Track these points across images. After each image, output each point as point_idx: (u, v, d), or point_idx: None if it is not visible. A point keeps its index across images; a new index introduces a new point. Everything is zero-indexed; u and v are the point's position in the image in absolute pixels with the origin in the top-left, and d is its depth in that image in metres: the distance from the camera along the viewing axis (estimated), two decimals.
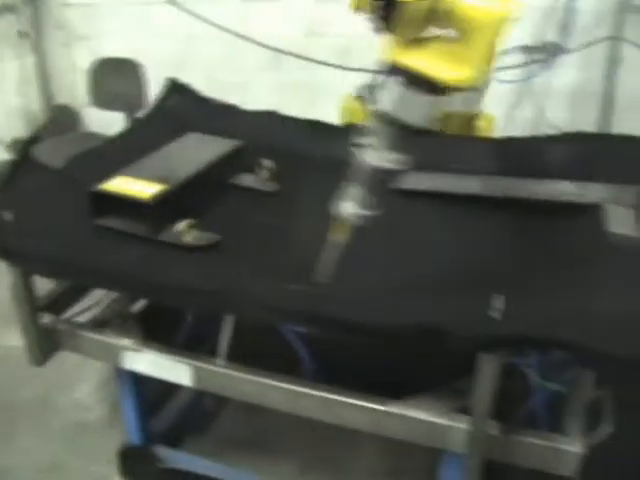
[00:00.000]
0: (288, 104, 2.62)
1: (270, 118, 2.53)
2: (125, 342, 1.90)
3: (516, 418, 1.67)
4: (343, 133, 2.44)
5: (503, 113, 4.00)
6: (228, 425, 2.44)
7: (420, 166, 2.14)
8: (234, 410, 2.46)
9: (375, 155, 1.55)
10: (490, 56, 1.46)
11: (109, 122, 3.80)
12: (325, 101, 3.49)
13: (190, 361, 1.84)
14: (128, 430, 2.19)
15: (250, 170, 2.18)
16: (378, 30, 1.47)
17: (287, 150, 2.30)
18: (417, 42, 1.48)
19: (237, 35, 4.06)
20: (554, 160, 2.17)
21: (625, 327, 1.41)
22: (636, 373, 1.40)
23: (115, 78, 4.13)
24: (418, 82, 1.48)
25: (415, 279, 1.66)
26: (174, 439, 2.34)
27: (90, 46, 4.45)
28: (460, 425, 1.62)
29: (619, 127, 3.78)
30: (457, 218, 1.96)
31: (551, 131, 3.63)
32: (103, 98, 4.20)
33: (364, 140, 1.57)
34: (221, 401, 2.45)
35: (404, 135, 1.54)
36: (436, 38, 1.47)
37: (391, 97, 1.50)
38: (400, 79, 1.48)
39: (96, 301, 2.03)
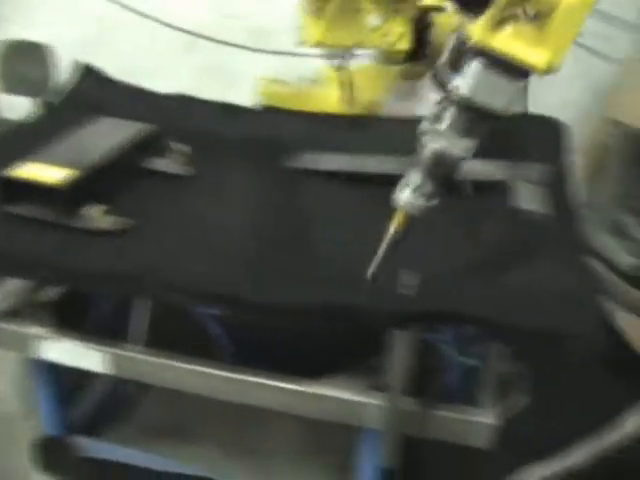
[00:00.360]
0: (204, 89, 2.60)
1: (184, 102, 2.52)
2: (38, 331, 1.86)
3: (431, 393, 1.70)
4: (258, 115, 2.48)
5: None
6: (149, 412, 2.42)
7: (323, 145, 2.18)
8: (155, 396, 2.44)
9: (444, 142, 1.47)
10: (571, 41, 1.39)
11: (20, 107, 3.69)
12: (241, 85, 3.47)
13: (106, 348, 1.82)
14: (45, 421, 2.15)
15: (164, 154, 2.16)
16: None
17: (202, 133, 2.29)
18: (502, 23, 1.40)
19: (151, 19, 3.99)
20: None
21: (533, 300, 1.46)
22: (546, 345, 1.44)
23: (23, 62, 4.01)
24: (503, 65, 1.40)
25: (324, 257, 1.68)
26: (94, 428, 2.30)
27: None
28: (375, 402, 1.64)
29: (533, 104, 3.86)
30: (365, 196, 1.98)
31: None
32: (11, 82, 4.07)
33: (431, 126, 1.49)
34: (142, 388, 2.43)
35: (479, 121, 1.47)
36: (520, 19, 1.40)
37: (472, 81, 1.42)
38: (484, 61, 1.40)
39: (8, 290, 1.98)
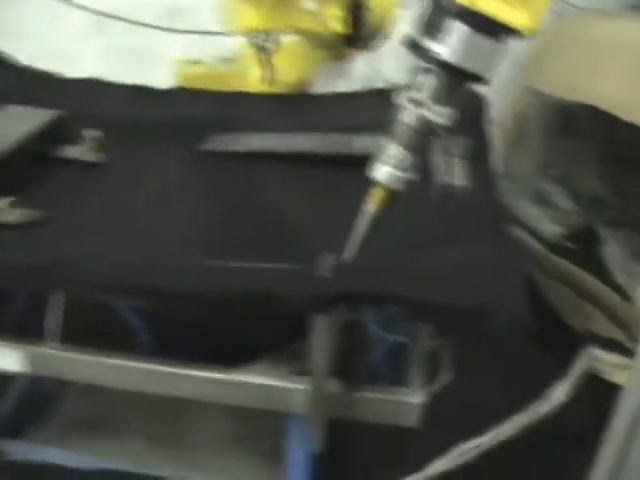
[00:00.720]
0: (116, 71, 2.52)
1: (95, 86, 2.43)
2: None
3: (358, 374, 1.68)
4: (172, 97, 2.41)
5: None
6: (71, 409, 2.33)
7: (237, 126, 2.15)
8: (77, 392, 2.36)
9: (427, 111, 1.40)
10: (549, 3, 1.37)
11: None
12: (158, 67, 3.38)
13: (19, 345, 1.74)
14: None
15: (76, 142, 2.08)
16: None
17: (114, 118, 2.21)
18: None
19: None
20: (383, 114, 2.17)
21: (455, 277, 1.43)
22: (470, 322, 1.42)
23: None
24: (489, 27, 1.33)
25: (238, 241, 1.63)
26: (13, 430, 2.22)
27: None
28: (300, 387, 1.61)
29: None
30: (278, 178, 1.94)
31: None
32: None
33: (408, 96, 1.41)
34: (63, 384, 2.35)
35: (461, 87, 1.41)
36: None
37: (458, 45, 1.34)
38: (469, 24, 1.33)
39: None
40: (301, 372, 1.62)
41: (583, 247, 2.89)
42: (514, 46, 3.40)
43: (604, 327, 2.50)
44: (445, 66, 1.36)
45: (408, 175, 1.47)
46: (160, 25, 3.87)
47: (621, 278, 2.72)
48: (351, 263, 1.46)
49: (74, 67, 2.49)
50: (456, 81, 1.38)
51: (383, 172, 1.47)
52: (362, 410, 1.64)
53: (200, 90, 2.51)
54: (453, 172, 1.84)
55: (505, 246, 1.52)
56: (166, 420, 2.20)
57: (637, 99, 2.35)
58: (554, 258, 2.74)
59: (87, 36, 4.01)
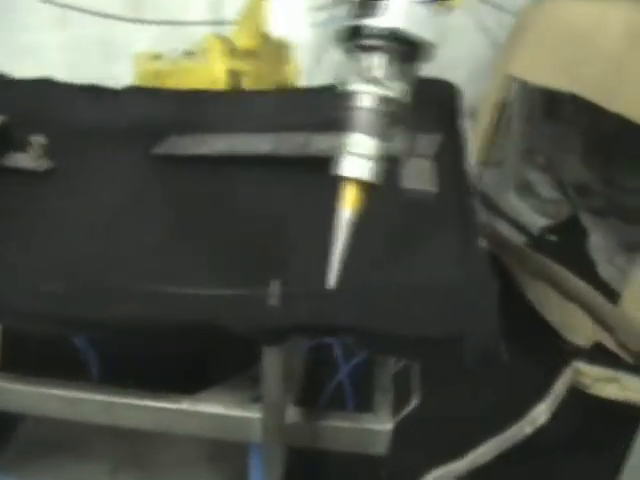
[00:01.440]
0: (79, 66, 2.38)
1: (43, 86, 2.27)
2: None
3: (321, 399, 1.56)
4: (126, 97, 2.26)
5: (312, 56, 3.85)
6: (31, 433, 2.22)
7: (195, 126, 2.00)
8: (38, 418, 2.24)
9: (380, 90, 1.28)
10: None
11: None
12: (121, 60, 3.25)
13: None
14: None
15: (20, 148, 1.93)
16: None
17: (63, 122, 2.06)
18: None
19: None
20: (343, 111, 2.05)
21: (414, 303, 1.29)
22: (432, 352, 1.28)
23: None
24: None
25: (187, 262, 1.48)
26: None
27: None
28: (255, 415, 1.49)
29: (424, 68, 3.73)
30: (235, 186, 1.78)
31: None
32: None
33: (360, 80, 1.30)
34: None
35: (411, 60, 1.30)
36: None
37: (396, 13, 1.25)
38: None
39: None
40: (258, 399, 1.50)
41: (567, 239, 2.79)
42: (495, 30, 3.32)
43: (590, 330, 2.39)
44: (391, 36, 1.26)
45: (379, 165, 1.32)
46: (125, 16, 3.75)
47: (606, 271, 2.63)
48: (304, 289, 1.32)
49: (37, 61, 2.34)
50: (404, 51, 1.28)
51: (352, 166, 1.32)
52: (327, 439, 1.52)
53: (157, 89, 2.38)
54: (420, 175, 1.70)
55: (473, 264, 1.38)
56: (130, 441, 2.09)
57: (622, 88, 2.24)
58: (539, 257, 2.62)
59: (50, 29, 3.85)
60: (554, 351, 2.14)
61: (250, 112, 2.12)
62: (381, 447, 1.50)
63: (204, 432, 1.56)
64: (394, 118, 1.32)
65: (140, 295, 1.35)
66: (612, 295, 2.31)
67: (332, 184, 1.55)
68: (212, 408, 1.52)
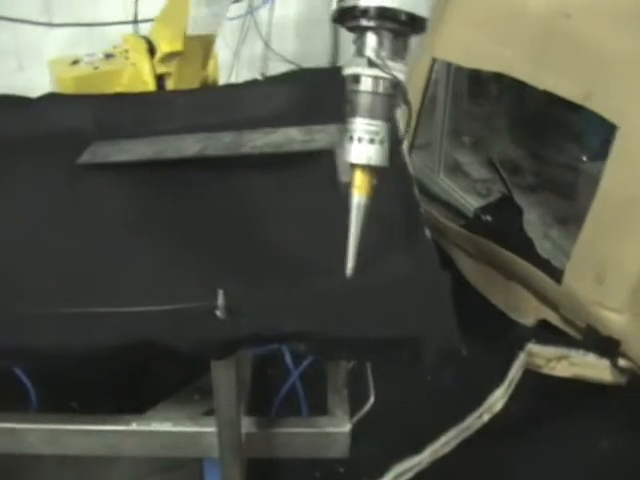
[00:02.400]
0: None
1: None
2: None
3: (274, 407, 1.50)
4: (41, 106, 2.16)
5: (230, 52, 3.79)
6: None
7: (117, 132, 1.90)
8: None
9: (379, 71, 1.27)
10: None
11: None
12: (34, 64, 3.14)
13: None
14: None
15: None
16: None
17: None
18: None
19: None
20: (277, 105, 1.99)
21: (363, 303, 1.25)
22: (383, 351, 1.24)
23: None
24: None
25: (118, 278, 1.41)
26: None
27: None
28: (209, 429, 1.42)
29: (349, 55, 3.70)
30: (168, 192, 1.71)
31: (279, 64, 3.50)
32: None
33: (358, 62, 1.29)
34: None
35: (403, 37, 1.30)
36: None
37: None
38: None
39: None
40: (210, 412, 1.44)
41: (503, 218, 2.78)
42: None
43: (534, 309, 2.39)
44: (387, 15, 1.25)
45: (387, 146, 1.32)
46: (36, 20, 3.61)
47: (543, 247, 2.63)
48: (250, 298, 1.26)
49: None
50: (400, 29, 1.28)
51: (358, 152, 1.31)
52: (284, 447, 1.47)
53: (76, 95, 2.29)
54: None
55: (425, 262, 1.34)
56: (83, 458, 2.01)
57: (547, 66, 2.24)
58: (476, 239, 2.61)
59: None
60: (505, 335, 2.13)
61: (174, 113, 2.05)
62: (341, 450, 1.46)
63: (158, 451, 1.49)
64: (396, 98, 1.32)
65: (66, 318, 1.27)
66: (552, 271, 2.31)
67: (275, 185, 1.50)
68: (164, 426, 1.45)
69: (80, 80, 2.56)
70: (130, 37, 2.78)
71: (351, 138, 1.32)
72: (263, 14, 3.83)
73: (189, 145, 1.85)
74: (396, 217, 1.48)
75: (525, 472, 2.00)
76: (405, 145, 1.82)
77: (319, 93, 2.01)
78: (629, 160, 1.98)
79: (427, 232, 1.48)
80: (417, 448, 1.73)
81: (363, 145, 1.30)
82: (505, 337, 2.11)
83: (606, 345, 2.03)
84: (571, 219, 2.59)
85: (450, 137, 3.28)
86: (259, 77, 3.38)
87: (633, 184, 1.97)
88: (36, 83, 2.59)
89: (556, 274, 2.26)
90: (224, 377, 1.30)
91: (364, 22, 1.27)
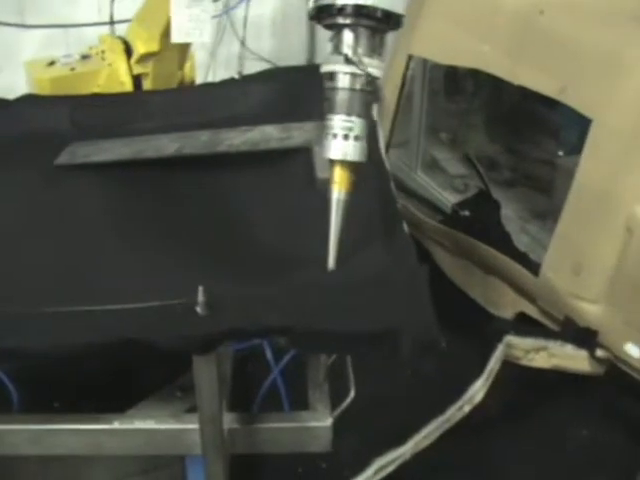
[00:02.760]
0: None
1: None
2: None
3: (256, 402, 1.51)
4: (18, 108, 2.16)
5: (207, 51, 3.78)
6: None
7: (95, 132, 1.90)
8: None
9: (356, 68, 1.29)
10: None
11: None
12: (9, 66, 3.13)
13: None
14: None
15: None
16: None
17: None
18: None
19: None
20: (254, 104, 2.00)
21: (341, 298, 1.27)
22: (362, 344, 1.25)
23: None
24: None
25: (105, 281, 1.41)
26: None
27: None
28: (191, 426, 1.43)
29: (325, 53, 3.71)
30: (147, 191, 1.71)
31: (256, 63, 3.51)
32: None
33: (335, 60, 1.30)
34: None
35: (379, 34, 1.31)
36: None
37: None
38: None
39: None
40: (192, 409, 1.44)
41: (480, 213, 2.80)
42: None
43: (512, 302, 2.41)
44: (363, 13, 1.27)
45: (364, 142, 1.34)
46: (11, 21, 3.59)
47: (521, 241, 2.65)
48: (231, 294, 1.27)
49: None
50: (376, 26, 1.30)
51: (336, 147, 1.33)
52: (267, 442, 1.48)
53: (52, 96, 2.28)
54: None
55: (403, 257, 1.36)
56: (63, 458, 2.01)
57: (523, 61, 2.26)
58: (455, 234, 2.63)
59: None
60: (485, 329, 2.15)
61: (152, 113, 2.05)
62: (323, 444, 1.47)
63: (141, 449, 1.50)
64: (373, 94, 1.33)
65: (48, 317, 1.28)
66: (530, 264, 2.33)
67: (253, 182, 1.51)
68: (146, 424, 1.45)
69: (57, 81, 2.55)
70: (106, 38, 2.77)
71: (328, 135, 1.33)
72: (239, 13, 3.82)
73: (167, 144, 1.86)
74: (374, 213, 1.50)
75: (506, 462, 2.03)
76: (381, 141, 1.83)
77: (295, 91, 2.02)
78: (602, 152, 2.01)
79: (405, 227, 1.49)
80: (399, 441, 1.75)
81: (340, 141, 1.32)
82: (484, 330, 2.13)
83: (584, 336, 2.06)
84: (549, 213, 2.61)
85: (427, 134, 3.30)
86: (236, 76, 3.37)
87: (607, 176, 2.00)
88: (12, 85, 2.58)
89: (534, 267, 2.29)
90: (206, 373, 1.31)
91: (340, 20, 1.28)
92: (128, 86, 2.62)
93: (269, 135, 1.83)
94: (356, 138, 1.32)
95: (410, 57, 2.84)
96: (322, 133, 1.36)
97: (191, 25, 2.51)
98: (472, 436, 1.95)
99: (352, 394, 1.46)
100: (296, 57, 3.88)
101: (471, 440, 1.97)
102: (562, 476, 1.87)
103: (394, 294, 1.27)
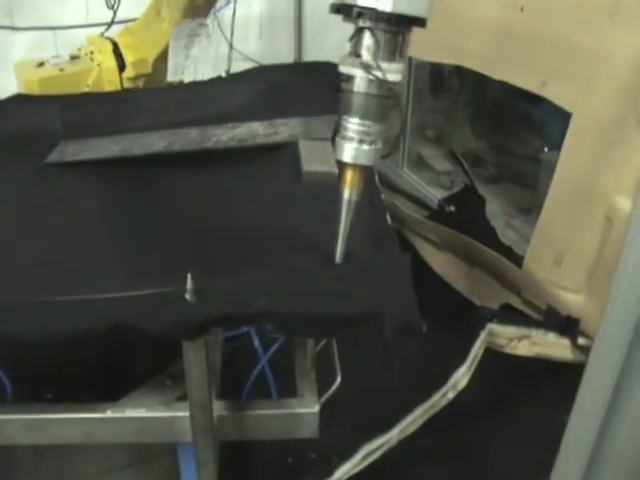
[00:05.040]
0: None
1: None
2: None
3: (244, 390, 1.54)
4: (9, 107, 2.19)
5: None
6: None
7: (85, 131, 1.94)
8: None
9: (375, 72, 1.27)
10: None
11: None
12: (0, 68, 3.14)
13: None
14: None
15: None
16: None
17: None
18: None
19: None
20: (240, 101, 2.04)
21: (329, 284, 1.32)
22: (346, 328, 1.29)
23: None
24: None
25: (94, 270, 1.44)
26: None
27: None
28: (182, 414, 1.46)
29: (312, 53, 3.76)
30: (137, 186, 1.75)
31: (243, 64, 3.53)
32: None
33: (353, 62, 1.28)
34: None
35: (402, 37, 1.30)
36: None
37: None
38: None
39: None
40: (182, 397, 1.48)
41: (466, 209, 2.84)
42: None
43: (497, 293, 2.45)
44: (386, 18, 1.25)
45: (378, 147, 1.33)
46: (0, 23, 3.61)
47: (506, 236, 2.70)
48: (218, 280, 1.31)
49: None
50: (398, 30, 1.29)
51: (348, 150, 1.32)
52: (256, 429, 1.52)
53: (42, 96, 2.31)
54: (319, 157, 1.71)
55: (386, 244, 1.40)
56: (53, 450, 2.02)
57: (504, 57, 2.30)
58: (440, 228, 2.68)
59: None
60: (468, 317, 2.18)
61: (141, 111, 2.09)
62: (310, 430, 1.51)
63: (132, 438, 1.52)
64: (391, 99, 1.32)
65: (42, 307, 1.31)
66: (515, 258, 2.37)
67: (241, 176, 1.55)
68: (138, 412, 1.48)
69: (46, 81, 2.58)
70: (95, 39, 2.81)
71: (343, 137, 1.33)
72: (226, 14, 3.85)
73: (155, 142, 1.89)
74: (358, 204, 1.54)
75: (489, 448, 2.06)
76: None
77: (281, 88, 2.06)
78: (582, 145, 2.05)
79: (388, 218, 1.54)
80: (385, 427, 1.78)
81: (354, 144, 1.32)
82: (467, 319, 2.16)
83: (566, 324, 2.10)
84: (533, 208, 2.65)
85: (413, 131, 3.34)
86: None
87: (587, 168, 2.04)
88: (2, 86, 2.60)
89: (518, 260, 2.33)
90: (195, 360, 1.35)
91: (360, 23, 1.27)
92: (116, 85, 2.66)
93: (256, 131, 1.87)
94: (370, 143, 1.32)
95: None
96: (337, 132, 1.36)
97: (187, 63, 2.58)
98: (457, 422, 1.99)
99: (338, 380, 1.50)
100: (283, 57, 3.91)
101: (456, 426, 2.01)
102: (544, 461, 1.90)
103: (377, 279, 1.31)
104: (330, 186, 1.60)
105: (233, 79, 2.29)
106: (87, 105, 2.15)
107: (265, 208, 1.57)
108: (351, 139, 1.32)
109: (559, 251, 2.13)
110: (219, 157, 1.79)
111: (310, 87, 2.06)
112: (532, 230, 2.35)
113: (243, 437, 1.53)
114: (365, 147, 1.32)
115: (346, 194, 1.35)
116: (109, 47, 2.72)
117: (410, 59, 2.99)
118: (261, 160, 1.77)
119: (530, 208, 2.75)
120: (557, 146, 2.29)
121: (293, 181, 1.63)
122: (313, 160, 1.70)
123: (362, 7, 1.25)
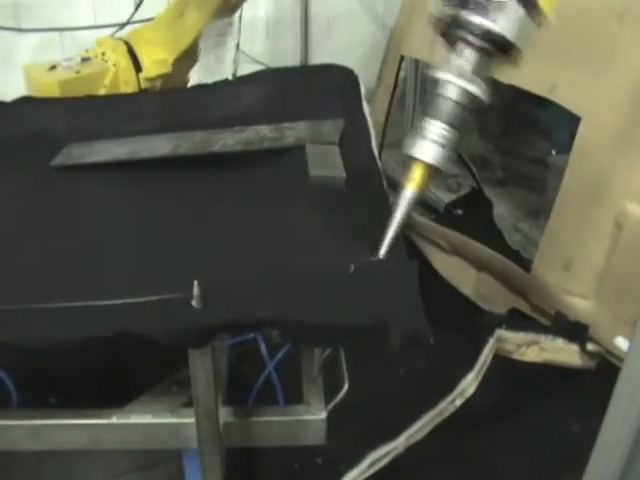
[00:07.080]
0: None
1: None
2: None
3: (251, 397, 1.54)
4: (16, 110, 2.18)
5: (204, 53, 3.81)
6: None
7: (90, 134, 1.93)
8: None
9: (468, 84, 1.31)
10: None
11: None
12: (5, 70, 3.14)
13: None
14: None
15: None
16: None
17: None
18: None
19: None
20: (247, 104, 2.03)
21: (334, 293, 1.30)
22: (352, 337, 1.28)
23: None
24: (530, 6, 1.30)
25: (100, 277, 1.43)
26: None
27: None
28: (188, 420, 1.45)
29: (318, 55, 3.76)
30: (142, 190, 1.73)
31: (250, 66, 3.52)
32: None
33: (451, 69, 1.32)
34: None
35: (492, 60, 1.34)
36: None
37: (511, 21, 1.29)
38: (521, 4, 1.29)
39: None
40: (188, 403, 1.47)
41: (473, 212, 2.84)
42: (381, 13, 3.34)
43: (505, 298, 2.44)
44: (489, 37, 1.30)
45: (453, 154, 1.36)
46: (5, 25, 3.60)
47: (513, 239, 2.69)
48: (225, 288, 1.30)
49: None
50: (494, 52, 1.32)
51: (428, 150, 1.34)
52: (262, 435, 1.50)
53: (49, 98, 2.31)
54: (326, 162, 1.70)
55: (393, 251, 1.38)
56: (60, 454, 2.02)
57: None
58: (448, 232, 2.67)
59: None
60: (476, 323, 2.17)
61: (147, 114, 2.08)
62: (317, 437, 1.49)
63: (138, 444, 1.51)
64: (471, 113, 1.35)
65: (46, 313, 1.30)
66: (522, 262, 2.36)
67: (247, 181, 1.53)
68: (144, 418, 1.47)
69: (65, 84, 2.56)
70: (106, 40, 2.79)
71: (423, 137, 1.34)
72: (233, 16, 3.85)
73: (161, 145, 1.89)
74: (365, 210, 1.52)
75: (497, 455, 2.05)
76: (374, 140, 1.86)
77: (288, 91, 2.05)
78: (592, 149, 2.04)
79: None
80: (392, 435, 1.77)
81: (430, 144, 1.33)
82: (475, 325, 2.15)
83: (574, 330, 2.09)
84: (541, 212, 2.64)
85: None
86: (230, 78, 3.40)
87: (596, 172, 2.03)
88: (8, 88, 2.59)
89: (525, 264, 2.32)
90: (201, 367, 1.33)
91: (469, 37, 1.31)
92: (133, 86, 2.65)
93: (262, 135, 1.86)
94: (444, 147, 1.34)
95: (402, 58, 2.86)
96: (415, 132, 1.37)
97: (216, 65, 2.57)
98: (464, 429, 1.98)
99: (346, 387, 1.49)
100: (290, 59, 3.90)
101: (463, 433, 2.00)
102: (553, 470, 1.90)
103: (384, 288, 1.30)
104: (338, 191, 1.60)
105: (239, 82, 2.28)
106: (93, 108, 2.14)
107: (272, 213, 1.56)
108: (433, 140, 1.34)
109: (568, 256, 2.11)
110: (225, 161, 1.78)
111: (317, 90, 2.04)
112: (540, 234, 2.35)
113: (249, 444, 1.52)
114: (441, 150, 1.34)
115: (410, 191, 1.37)
116: (123, 47, 2.71)
117: (417, 62, 2.98)
118: (268, 164, 1.75)
119: (537, 211, 2.74)
120: (565, 149, 2.28)
121: (300, 186, 1.62)
122: (320, 164, 1.69)
123: (473, 22, 1.29)
